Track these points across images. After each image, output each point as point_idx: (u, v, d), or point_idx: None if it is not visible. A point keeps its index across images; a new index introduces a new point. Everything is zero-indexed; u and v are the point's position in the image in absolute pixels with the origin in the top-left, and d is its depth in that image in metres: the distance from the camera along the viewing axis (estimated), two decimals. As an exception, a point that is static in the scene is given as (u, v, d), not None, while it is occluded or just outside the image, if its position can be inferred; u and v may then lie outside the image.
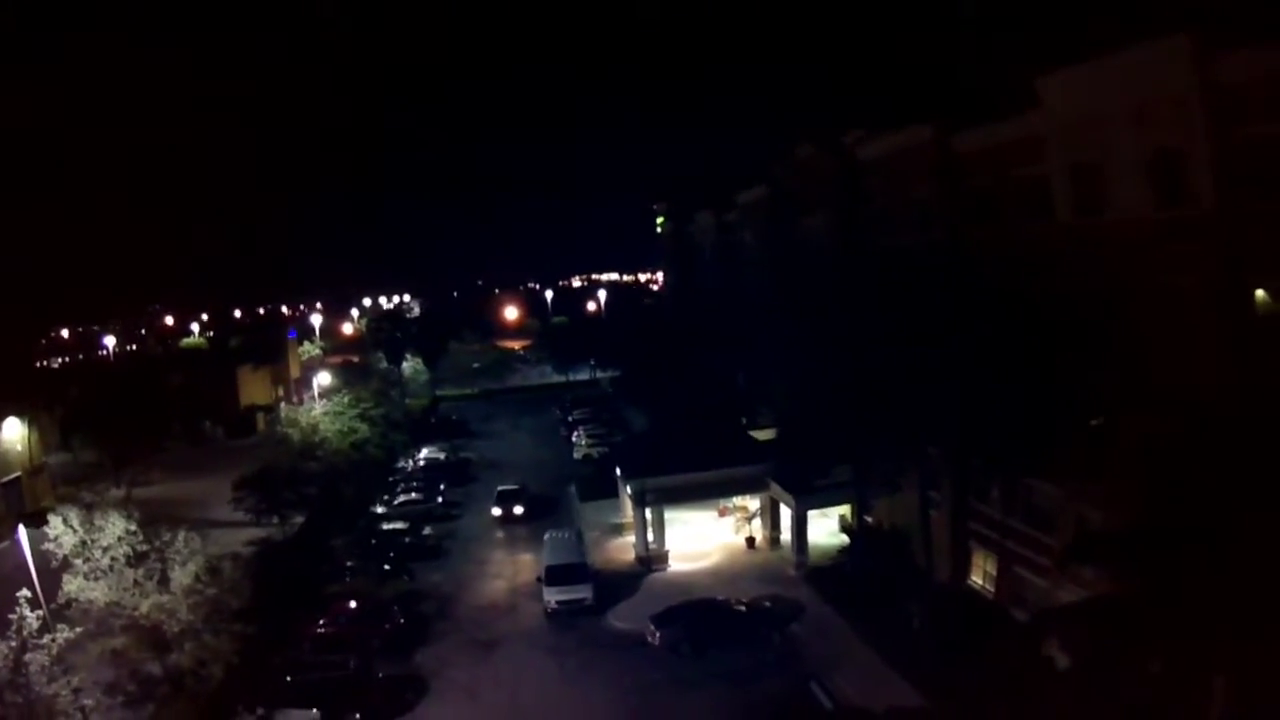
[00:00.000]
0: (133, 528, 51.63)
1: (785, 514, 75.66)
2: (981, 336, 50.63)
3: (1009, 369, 49.54)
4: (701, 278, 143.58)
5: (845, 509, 76.29)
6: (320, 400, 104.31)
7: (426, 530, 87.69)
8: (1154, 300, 44.14)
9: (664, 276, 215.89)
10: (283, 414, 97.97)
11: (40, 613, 44.51)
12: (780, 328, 78.41)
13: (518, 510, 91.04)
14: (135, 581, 49.96)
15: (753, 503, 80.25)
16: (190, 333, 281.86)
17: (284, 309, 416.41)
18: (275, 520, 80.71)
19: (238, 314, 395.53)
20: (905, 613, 59.49)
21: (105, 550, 50.19)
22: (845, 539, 69.86)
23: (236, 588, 54.22)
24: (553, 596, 67.57)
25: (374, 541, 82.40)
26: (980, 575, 62.72)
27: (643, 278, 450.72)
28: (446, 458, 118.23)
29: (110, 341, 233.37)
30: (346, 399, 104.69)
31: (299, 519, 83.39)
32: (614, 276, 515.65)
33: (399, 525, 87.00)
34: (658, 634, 60.25)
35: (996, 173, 57.19)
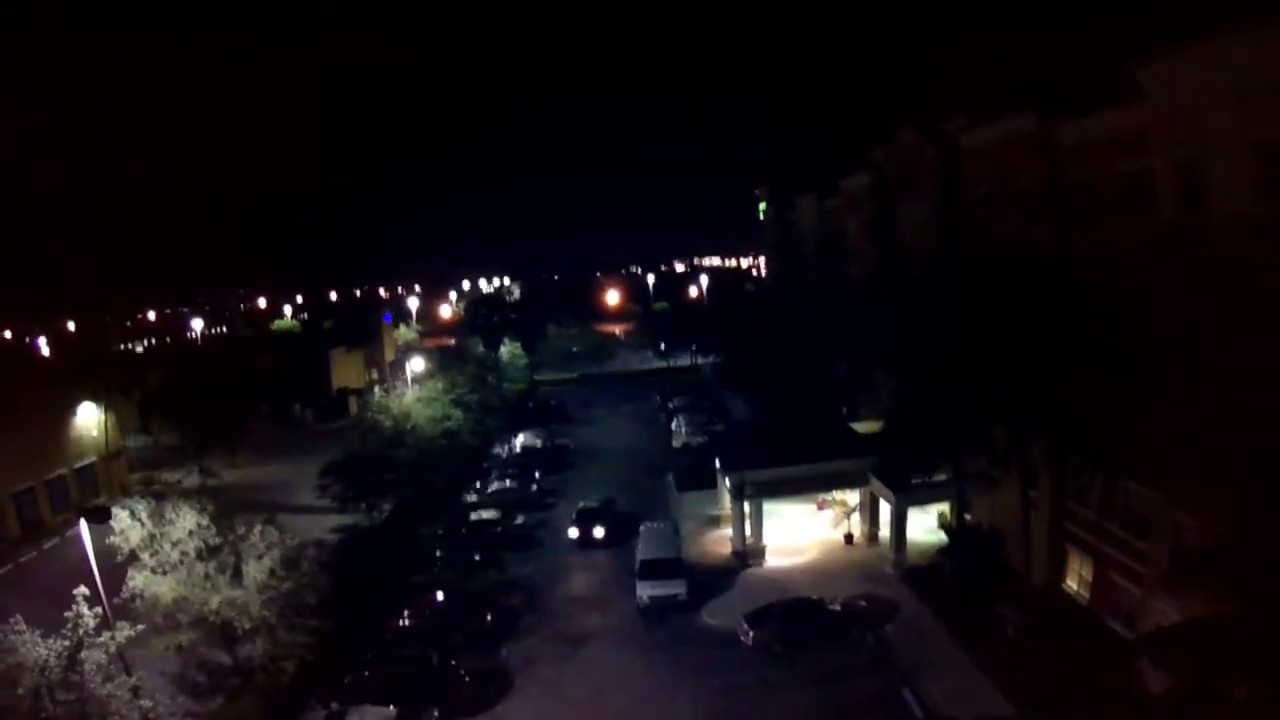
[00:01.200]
0: (205, 521, 50.61)
1: (885, 510, 73.45)
2: (1082, 334, 50.95)
3: (1108, 367, 49.97)
4: (803, 264, 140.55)
5: (944, 506, 74.06)
6: (413, 386, 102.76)
7: (519, 519, 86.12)
8: (1260, 300, 41.31)
9: (765, 262, 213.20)
10: (373, 399, 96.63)
11: (98, 610, 43.39)
12: (882, 317, 76.58)
13: (598, 533, 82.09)
14: (206, 575, 49.08)
15: (852, 497, 78.13)
16: (282, 315, 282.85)
17: (381, 291, 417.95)
18: (362, 508, 79.85)
19: (333, 296, 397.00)
20: (999, 617, 57.38)
21: (175, 544, 49.36)
22: (944, 537, 67.30)
23: (314, 581, 53.47)
24: (646, 591, 66.16)
25: (464, 531, 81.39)
26: (1076, 580, 60.52)
27: (744, 263, 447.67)
28: (543, 444, 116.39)
29: (198, 324, 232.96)
30: (440, 385, 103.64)
31: (386, 507, 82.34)
32: (715, 261, 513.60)
33: (491, 514, 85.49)
34: (751, 633, 58.75)
35: (1099, 166, 54.44)
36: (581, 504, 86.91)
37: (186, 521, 49.93)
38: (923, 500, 71.73)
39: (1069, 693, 47.56)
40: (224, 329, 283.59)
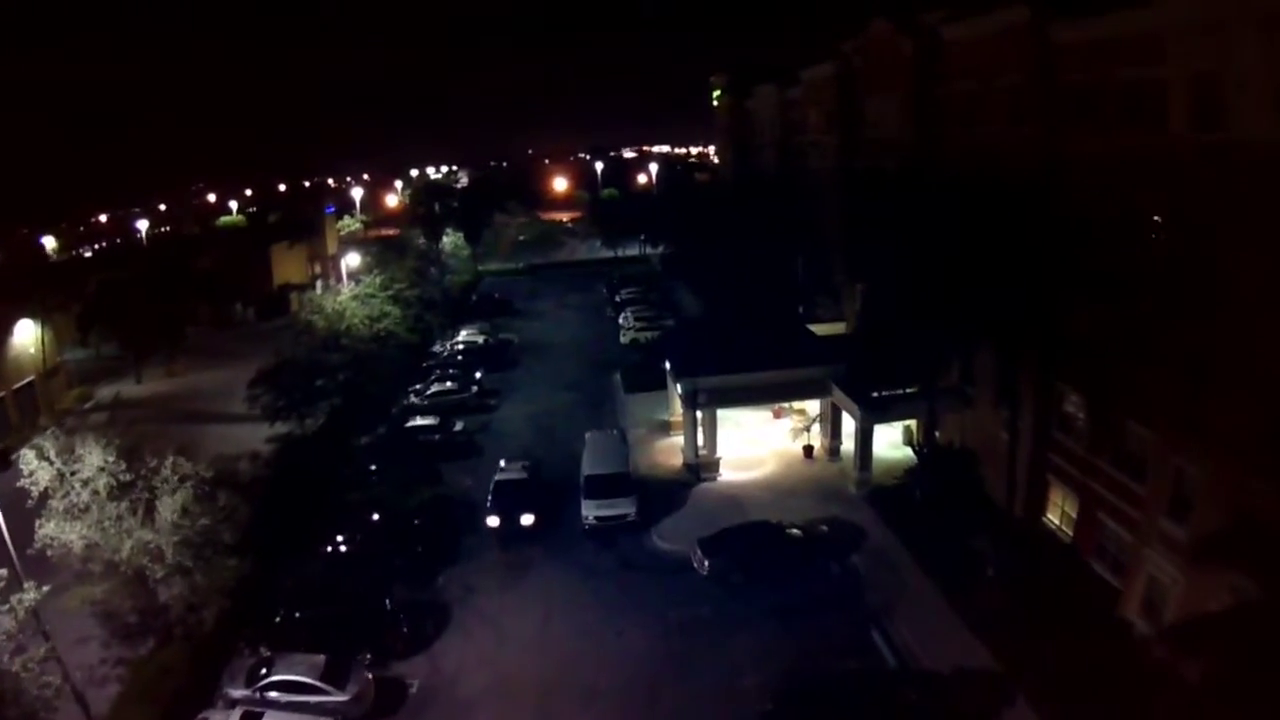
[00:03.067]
0: (111, 457, 44.80)
1: (848, 422, 68.70)
2: (1077, 248, 48.08)
3: (1105, 288, 46.20)
4: (759, 155, 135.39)
5: (912, 422, 69.33)
6: (349, 282, 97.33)
7: (458, 425, 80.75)
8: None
9: (718, 152, 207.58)
10: (305, 299, 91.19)
11: (3, 572, 38.65)
12: (847, 215, 71.93)
13: (526, 520, 62.35)
14: (118, 517, 44.04)
15: (812, 407, 73.13)
16: (229, 210, 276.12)
17: (330, 182, 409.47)
18: (293, 419, 74.44)
19: (282, 188, 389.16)
20: (975, 552, 53.20)
21: (86, 483, 43.87)
22: (910, 454, 62.83)
23: (233, 515, 48.22)
24: (591, 511, 61.44)
25: (400, 440, 76.53)
26: (1058, 515, 56.23)
27: (696, 151, 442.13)
28: (485, 340, 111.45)
29: (143, 225, 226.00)
30: (378, 280, 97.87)
31: (320, 417, 77.11)
32: (665, 149, 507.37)
33: (429, 420, 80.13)
34: (706, 562, 54.44)
35: (1101, 71, 48.89)
36: (499, 473, 67.57)
37: (93, 459, 44.30)
38: (891, 417, 66.91)
39: (1057, 649, 43.41)
40: (170, 228, 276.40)
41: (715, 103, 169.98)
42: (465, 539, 61.84)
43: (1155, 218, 44.34)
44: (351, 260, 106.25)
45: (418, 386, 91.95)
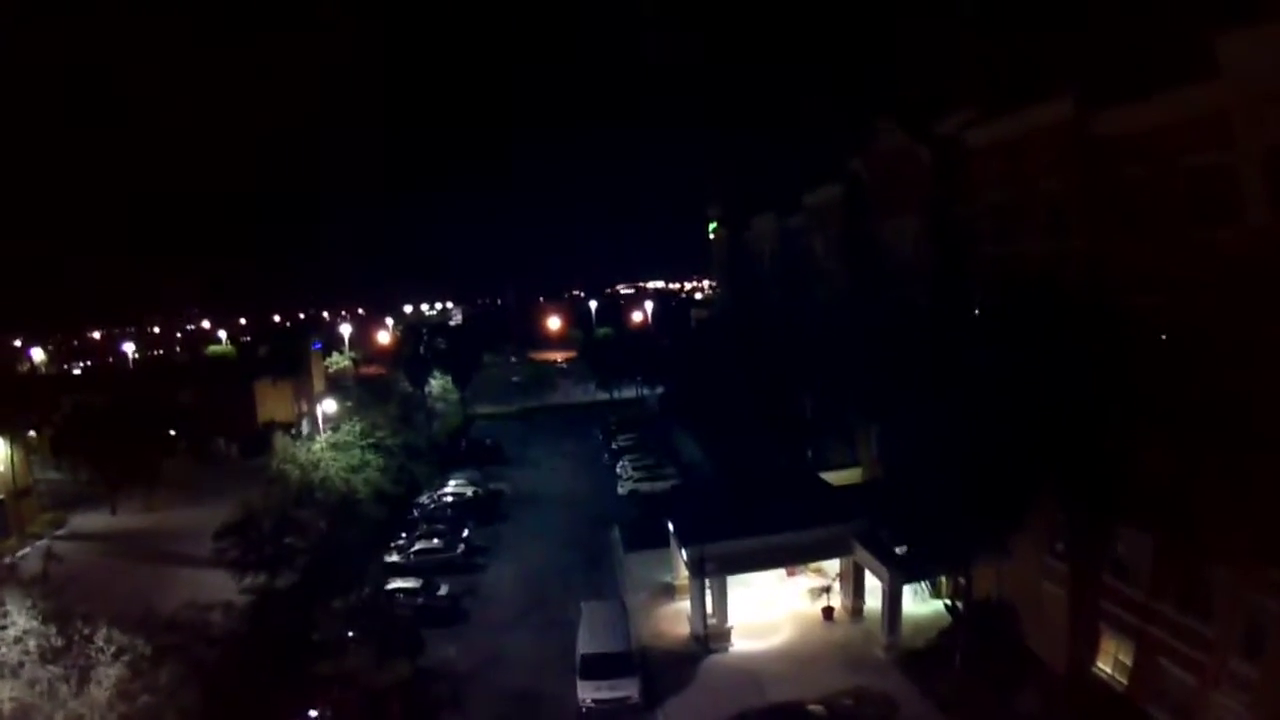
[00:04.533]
0: (35, 621, 40.53)
1: (870, 577, 62.99)
2: (1134, 374, 42.87)
3: (1170, 418, 40.97)
4: (760, 289, 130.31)
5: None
6: (325, 430, 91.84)
7: (443, 589, 74.15)
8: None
9: (716, 287, 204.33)
10: (278, 447, 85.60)
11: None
12: (861, 349, 66.61)
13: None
14: (49, 684, 39.04)
15: (831, 565, 67.12)
16: (218, 339, 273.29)
17: (325, 315, 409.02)
18: (261, 578, 68.09)
19: (276, 319, 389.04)
20: (1025, 715, 48.22)
21: (16, 642, 39.57)
22: (937, 606, 56.89)
23: (177, 694, 42.85)
24: (589, 694, 54.59)
25: (378, 607, 69.01)
26: (1110, 663, 50.35)
27: (689, 285, 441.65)
28: (475, 492, 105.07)
29: (129, 348, 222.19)
30: (358, 427, 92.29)
31: (293, 575, 70.29)
32: (660, 284, 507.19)
33: (411, 584, 73.61)
34: (721, 755, 47.40)
35: (1155, 162, 44.30)
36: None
37: (21, 621, 40.25)
38: (921, 574, 59.97)
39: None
40: (161, 352, 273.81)
41: (711, 236, 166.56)
42: (448, 718, 55.96)
43: (1227, 325, 39.12)
44: (329, 406, 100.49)
45: (401, 543, 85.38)
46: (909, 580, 58.74)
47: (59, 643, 40.69)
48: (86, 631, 42.03)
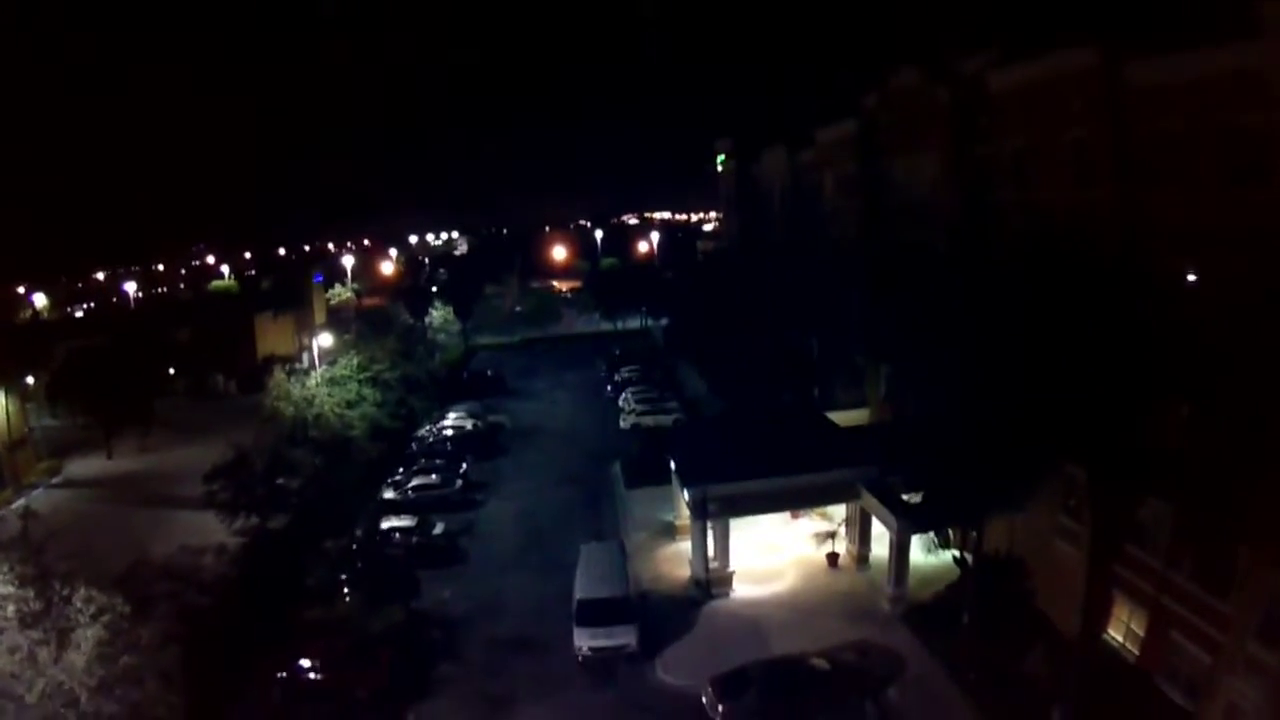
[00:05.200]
0: (12, 587, 38.77)
1: (877, 524, 60.72)
2: (1163, 334, 39.76)
3: (1200, 383, 38.68)
4: (768, 223, 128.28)
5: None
6: (321, 365, 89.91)
7: (439, 527, 72.37)
8: None
9: (723, 221, 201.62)
10: (271, 385, 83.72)
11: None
12: (874, 291, 64.40)
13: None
14: (29, 650, 37.53)
15: (837, 510, 65.15)
16: (220, 275, 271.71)
17: (330, 246, 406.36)
18: (253, 520, 66.54)
19: (281, 252, 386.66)
20: (1032, 679, 46.68)
21: None
22: (946, 558, 55.11)
23: (158, 657, 41.19)
24: (585, 642, 52.80)
25: (372, 545, 68.27)
26: (1121, 631, 48.64)
27: (696, 217, 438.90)
28: (474, 425, 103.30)
29: (131, 287, 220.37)
30: (355, 361, 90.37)
31: (286, 516, 69.19)
32: (666, 215, 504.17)
33: (406, 522, 71.71)
34: (720, 707, 46.04)
35: (1189, 117, 42.03)
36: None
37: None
38: (931, 525, 58.45)
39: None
40: (165, 291, 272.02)
41: (719, 169, 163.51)
42: (440, 664, 54.02)
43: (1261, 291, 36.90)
44: (324, 340, 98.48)
45: (398, 478, 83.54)
46: (918, 531, 56.97)
47: (38, 606, 39.16)
48: (65, 593, 40.51)
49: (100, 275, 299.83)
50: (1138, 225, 45.65)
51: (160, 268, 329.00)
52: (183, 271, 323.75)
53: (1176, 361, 38.91)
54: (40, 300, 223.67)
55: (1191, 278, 41.57)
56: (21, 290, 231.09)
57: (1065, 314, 40.96)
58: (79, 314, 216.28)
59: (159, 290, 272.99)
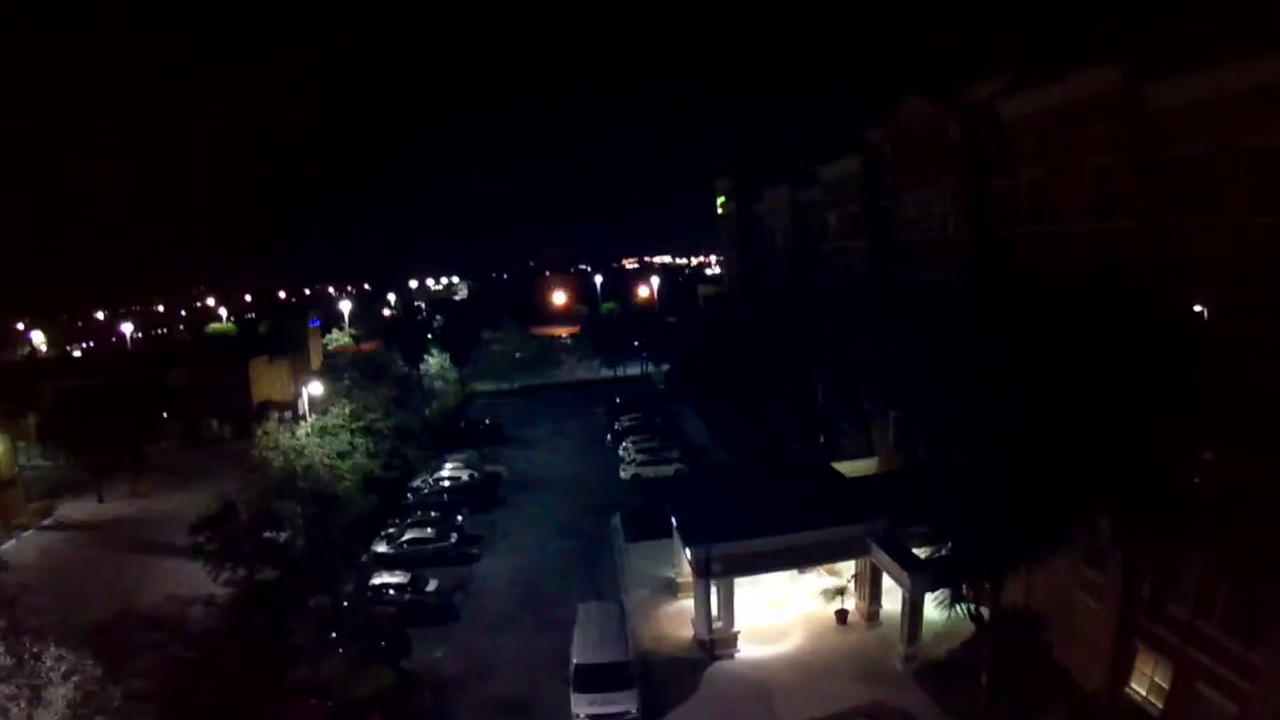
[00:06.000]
0: None
1: (888, 583, 58.48)
2: (1194, 373, 37.33)
3: (1236, 425, 35.77)
4: (770, 265, 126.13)
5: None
6: (311, 415, 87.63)
7: (432, 584, 69.95)
8: None
9: (724, 263, 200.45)
10: (259, 435, 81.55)
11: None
12: (879, 335, 62.68)
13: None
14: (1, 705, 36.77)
15: (845, 565, 62.77)
16: (218, 317, 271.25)
17: (330, 290, 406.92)
18: (240, 572, 63.76)
19: (281, 295, 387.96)
20: None
21: None
22: (955, 611, 52.11)
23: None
24: (583, 709, 50.06)
25: (361, 606, 65.66)
26: (1144, 684, 46.17)
27: (696, 260, 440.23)
28: (471, 476, 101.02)
29: (127, 328, 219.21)
30: (347, 410, 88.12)
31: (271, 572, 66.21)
32: (667, 259, 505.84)
33: (397, 579, 69.34)
34: (726, 782, 43.30)
35: (1216, 140, 40.25)
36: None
37: None
38: (946, 581, 55.43)
39: None
40: (161, 331, 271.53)
41: (720, 210, 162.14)
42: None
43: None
44: (315, 388, 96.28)
45: (391, 531, 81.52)
46: (933, 588, 53.89)
47: (10, 661, 38.16)
48: (35, 650, 39.22)
49: (100, 315, 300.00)
50: (1167, 258, 43.81)
51: (160, 308, 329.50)
52: (182, 313, 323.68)
53: (1207, 402, 36.75)
54: (38, 338, 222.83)
55: (1224, 313, 39.85)
56: (20, 327, 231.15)
57: (1092, 354, 39.00)
58: (76, 353, 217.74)
59: (157, 331, 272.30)
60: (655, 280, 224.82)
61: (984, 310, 48.57)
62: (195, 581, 61.62)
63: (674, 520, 66.04)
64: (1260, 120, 37.30)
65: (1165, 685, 44.53)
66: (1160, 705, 44.79)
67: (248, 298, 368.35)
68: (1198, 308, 41.24)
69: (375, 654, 57.40)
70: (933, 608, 55.45)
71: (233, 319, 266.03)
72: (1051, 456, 39.45)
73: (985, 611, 47.82)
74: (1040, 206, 55.26)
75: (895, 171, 76.58)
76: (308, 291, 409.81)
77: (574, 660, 52.60)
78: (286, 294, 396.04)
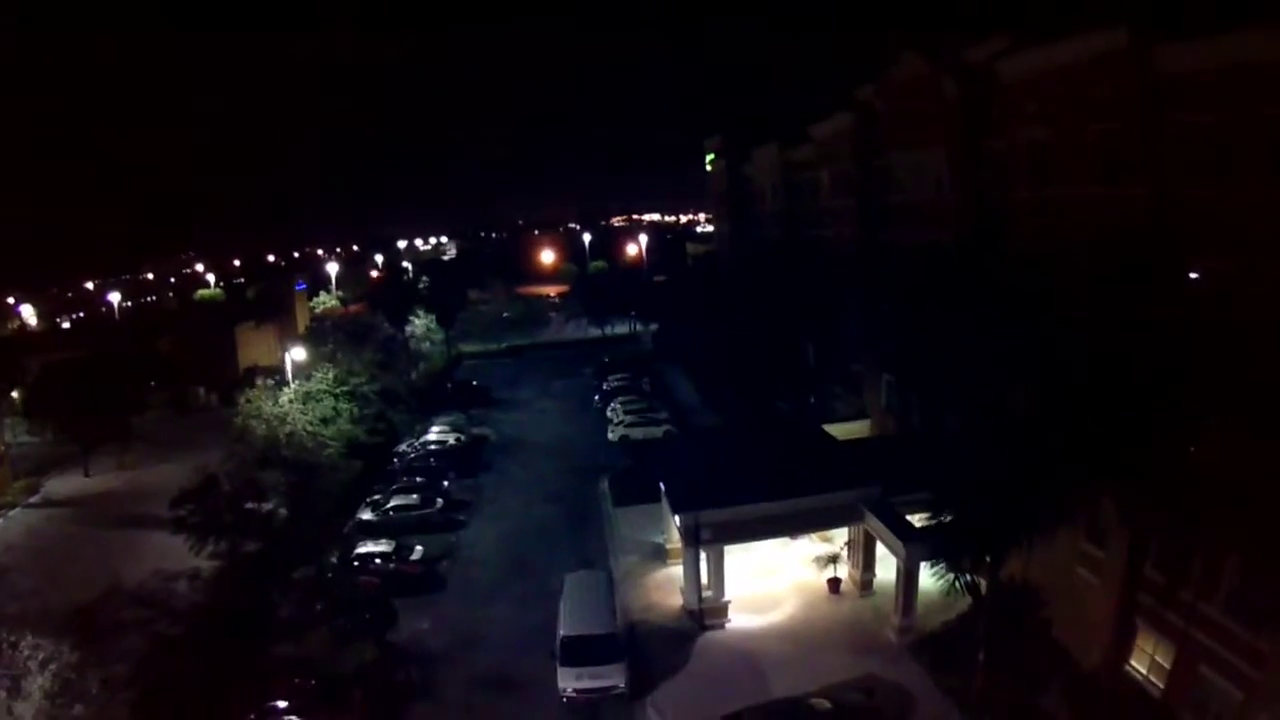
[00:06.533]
0: None
1: (882, 550, 57.13)
2: (1201, 343, 36.04)
3: (1248, 402, 34.30)
4: (760, 225, 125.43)
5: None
6: (295, 381, 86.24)
7: (417, 552, 69.09)
8: None
9: (713, 221, 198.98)
10: (242, 403, 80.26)
11: None
12: (872, 297, 61.37)
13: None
14: None
15: (837, 532, 61.55)
16: (206, 283, 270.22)
17: (319, 252, 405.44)
18: (223, 545, 62.23)
19: (271, 259, 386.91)
20: (1053, 717, 43.99)
21: None
22: (950, 581, 50.95)
23: (110, 703, 40.67)
24: (570, 683, 48.98)
25: (345, 578, 63.72)
26: (1145, 663, 45.48)
27: (686, 219, 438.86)
28: (457, 439, 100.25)
29: (115, 298, 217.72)
30: (331, 374, 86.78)
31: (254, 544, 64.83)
32: (656, 217, 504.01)
33: (382, 547, 68.46)
34: (715, 757, 42.27)
35: (1232, 106, 38.88)
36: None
37: None
38: (942, 551, 54.02)
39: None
40: (150, 299, 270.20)
41: (709, 168, 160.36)
42: (415, 705, 50.86)
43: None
44: (298, 353, 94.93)
45: (377, 498, 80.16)
46: (928, 558, 52.47)
47: None
48: (13, 639, 40.46)
49: (90, 285, 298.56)
50: (1175, 225, 42.36)
51: (149, 276, 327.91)
52: (171, 280, 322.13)
53: (1217, 375, 35.47)
54: (28, 311, 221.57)
55: (1234, 282, 38.38)
56: (11, 301, 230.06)
57: (1094, 321, 38.12)
58: (66, 325, 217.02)
59: (146, 300, 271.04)
60: (644, 239, 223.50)
61: (980, 275, 47.24)
62: (181, 555, 59.59)
63: (662, 485, 64.79)
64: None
65: (1166, 665, 43.89)
66: (1161, 685, 44.14)
67: (236, 263, 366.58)
68: (1202, 277, 39.97)
69: (360, 627, 56.24)
70: (928, 577, 54.58)
71: (221, 285, 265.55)
72: (1051, 432, 38.26)
73: (982, 584, 46.70)
74: (1040, 169, 53.79)
75: (889, 131, 75.03)
76: (296, 255, 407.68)
77: (561, 632, 51.53)
78: (276, 258, 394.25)
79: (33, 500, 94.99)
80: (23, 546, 78.73)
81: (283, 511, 65.71)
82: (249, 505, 64.08)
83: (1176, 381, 36.00)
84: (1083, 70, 48.26)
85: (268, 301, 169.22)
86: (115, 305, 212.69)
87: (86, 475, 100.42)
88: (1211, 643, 40.56)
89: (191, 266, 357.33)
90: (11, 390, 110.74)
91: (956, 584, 45.78)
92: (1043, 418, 38.96)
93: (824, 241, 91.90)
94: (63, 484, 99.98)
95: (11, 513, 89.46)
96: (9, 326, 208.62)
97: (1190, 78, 41.22)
